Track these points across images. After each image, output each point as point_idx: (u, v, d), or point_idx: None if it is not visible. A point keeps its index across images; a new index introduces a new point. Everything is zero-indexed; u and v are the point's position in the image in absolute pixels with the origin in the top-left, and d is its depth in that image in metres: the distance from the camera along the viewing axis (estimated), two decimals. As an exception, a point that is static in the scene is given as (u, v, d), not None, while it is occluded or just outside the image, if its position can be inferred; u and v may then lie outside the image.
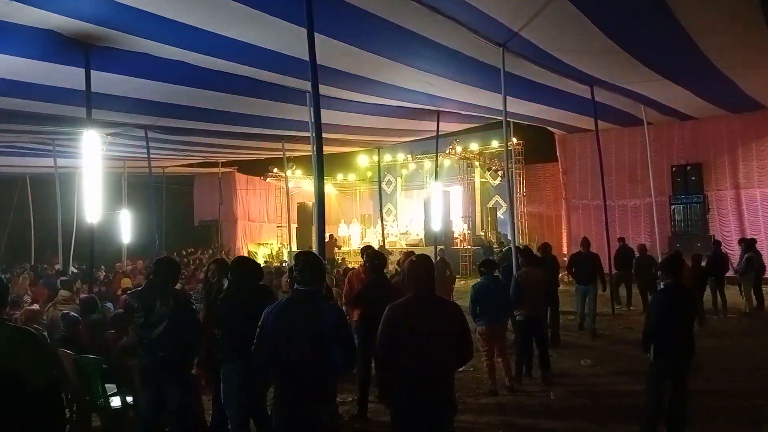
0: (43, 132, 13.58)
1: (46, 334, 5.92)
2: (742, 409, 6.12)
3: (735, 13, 8.27)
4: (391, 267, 12.62)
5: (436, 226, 17.46)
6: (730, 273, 12.16)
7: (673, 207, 17.31)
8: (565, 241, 19.65)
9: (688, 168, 17.09)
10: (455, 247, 21.11)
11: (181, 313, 4.76)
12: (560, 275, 11.21)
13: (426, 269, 3.90)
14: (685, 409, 5.16)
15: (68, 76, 8.85)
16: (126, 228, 16.39)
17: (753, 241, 12.41)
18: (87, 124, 8.82)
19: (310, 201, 22.48)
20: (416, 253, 6.08)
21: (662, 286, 5.43)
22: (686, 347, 5.15)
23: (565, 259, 13.76)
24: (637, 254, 12.49)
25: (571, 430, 5.90)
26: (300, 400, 3.59)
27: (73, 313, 6.53)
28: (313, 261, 3.86)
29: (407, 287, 3.88)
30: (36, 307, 8.42)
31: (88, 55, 8.18)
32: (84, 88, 8.38)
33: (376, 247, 17.19)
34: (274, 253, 24.89)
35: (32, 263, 18.12)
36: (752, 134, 16.29)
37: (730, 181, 16.73)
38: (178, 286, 7.34)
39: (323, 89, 7.57)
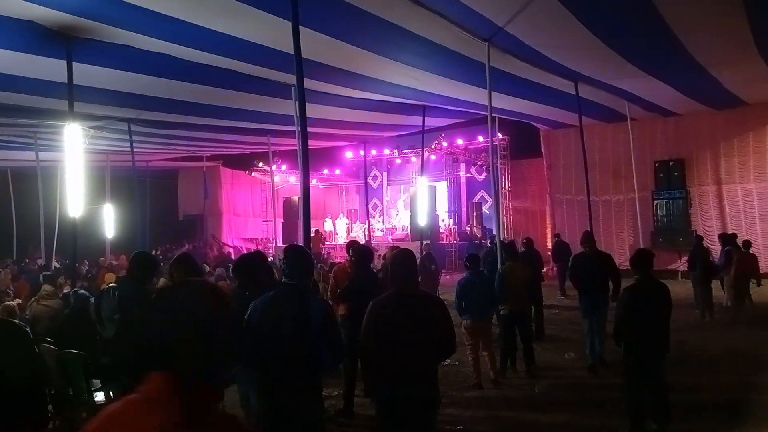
0: (25, 125, 13.41)
1: (28, 329, 5.86)
2: (725, 403, 6.18)
3: (718, 11, 8.35)
4: (377, 262, 12.60)
5: (422, 221, 17.51)
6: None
7: (655, 202, 17.48)
8: (549, 236, 19.78)
9: (671, 164, 17.27)
10: (441, 242, 21.17)
11: (133, 312, 4.56)
12: (544, 270, 11.22)
13: (408, 264, 3.90)
14: (666, 405, 5.21)
15: (50, 68, 8.75)
16: (109, 222, 16.24)
17: (732, 236, 12.54)
18: (69, 117, 8.73)
19: (296, 196, 22.43)
20: (400, 247, 6.08)
21: (632, 282, 5.44)
22: (656, 343, 5.17)
23: (549, 254, 13.86)
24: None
25: (555, 422, 5.95)
26: (285, 394, 3.59)
27: (83, 291, 6.73)
28: (302, 255, 3.86)
29: (390, 282, 3.89)
30: (17, 302, 8.32)
31: (70, 47, 8.09)
32: (66, 81, 8.29)
33: (362, 242, 17.21)
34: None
35: (14, 258, 17.90)
36: (734, 131, 16.49)
37: (712, 176, 16.92)
38: (162, 281, 7.31)
39: (308, 83, 7.52)
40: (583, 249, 8.19)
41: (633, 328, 5.13)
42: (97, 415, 1.39)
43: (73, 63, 8.26)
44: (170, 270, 5.17)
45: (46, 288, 7.75)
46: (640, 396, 5.21)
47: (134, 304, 4.61)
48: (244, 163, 24.97)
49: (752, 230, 16.09)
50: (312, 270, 4.06)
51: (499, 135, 20.13)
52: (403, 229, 23.19)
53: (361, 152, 23.58)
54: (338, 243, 23.18)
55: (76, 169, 8.75)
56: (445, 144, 22.45)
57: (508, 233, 20.41)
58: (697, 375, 7.22)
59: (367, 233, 22.31)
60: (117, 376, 4.70)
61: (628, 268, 5.63)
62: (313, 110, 11.09)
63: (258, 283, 4.21)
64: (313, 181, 25.16)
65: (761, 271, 15.35)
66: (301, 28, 5.86)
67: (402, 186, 25.52)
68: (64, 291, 8.46)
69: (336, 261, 14.98)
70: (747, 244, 11.68)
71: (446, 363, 7.00)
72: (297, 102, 6.69)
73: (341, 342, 3.86)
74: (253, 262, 4.54)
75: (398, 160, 25.23)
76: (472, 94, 12.42)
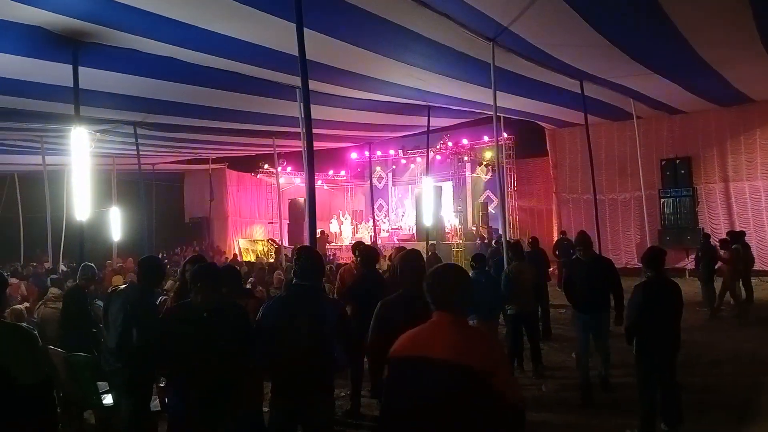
0: (31, 129, 13.47)
1: (36, 332, 5.88)
2: (734, 404, 6.14)
3: (724, 8, 8.31)
4: (383, 262, 12.61)
5: (428, 221, 17.49)
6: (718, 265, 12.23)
7: (662, 200, 17.41)
8: (555, 235, 19.73)
9: (678, 161, 17.19)
10: (447, 242, 21.15)
11: (133, 321, 4.52)
12: (550, 269, 11.18)
13: (416, 264, 3.90)
14: (678, 405, 5.17)
15: (56, 72, 8.79)
16: (116, 225, 16.31)
17: (740, 234, 12.48)
18: (75, 121, 8.76)
19: (301, 197, 22.45)
20: (407, 248, 6.07)
21: (644, 279, 5.41)
22: (668, 342, 5.14)
23: (557, 253, 13.81)
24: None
25: (562, 422, 5.93)
26: (300, 392, 3.60)
27: (91, 264, 6.99)
28: (314, 256, 3.88)
29: (399, 282, 3.90)
30: (25, 305, 8.36)
31: (76, 51, 8.13)
32: (72, 85, 8.33)
33: (368, 243, 17.22)
34: (266, 250, 24.83)
35: (21, 261, 17.99)
36: (740, 127, 16.41)
37: (719, 174, 16.84)
38: (169, 283, 7.32)
39: (313, 84, 7.55)
40: (578, 253, 6.76)
41: (644, 326, 5.10)
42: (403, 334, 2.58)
43: (79, 67, 8.29)
44: (183, 269, 5.19)
45: (54, 291, 7.78)
46: (652, 394, 5.17)
47: (136, 313, 4.54)
48: (249, 165, 25.03)
49: (760, 227, 16.02)
50: (323, 271, 4.08)
51: (505, 134, 20.09)
52: (409, 230, 23.19)
53: (366, 153, 23.58)
54: (344, 244, 23.19)
55: (82, 173, 8.77)
56: (450, 144, 22.44)
57: (514, 233, 20.38)
58: (705, 375, 7.18)
59: (372, 234, 22.31)
60: (126, 383, 4.67)
61: (636, 267, 5.59)
62: (317, 112, 11.10)
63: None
64: (319, 183, 25.20)
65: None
66: (305, 30, 5.87)
67: (408, 186, 25.52)
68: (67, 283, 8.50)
69: (341, 262, 14.98)
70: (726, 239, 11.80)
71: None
72: (302, 104, 6.70)
73: (354, 340, 3.89)
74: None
75: (403, 161, 25.23)
76: (477, 94, 12.40)
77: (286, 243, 20.72)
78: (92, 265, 7.10)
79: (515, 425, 2.49)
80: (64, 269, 14.57)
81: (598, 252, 8.52)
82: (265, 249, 24.66)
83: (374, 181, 24.61)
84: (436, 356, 2.33)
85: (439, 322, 2.53)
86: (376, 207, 24.14)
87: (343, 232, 25.06)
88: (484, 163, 22.63)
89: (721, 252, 11.29)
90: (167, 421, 4.79)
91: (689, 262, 15.39)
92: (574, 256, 7.10)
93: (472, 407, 2.27)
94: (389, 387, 2.53)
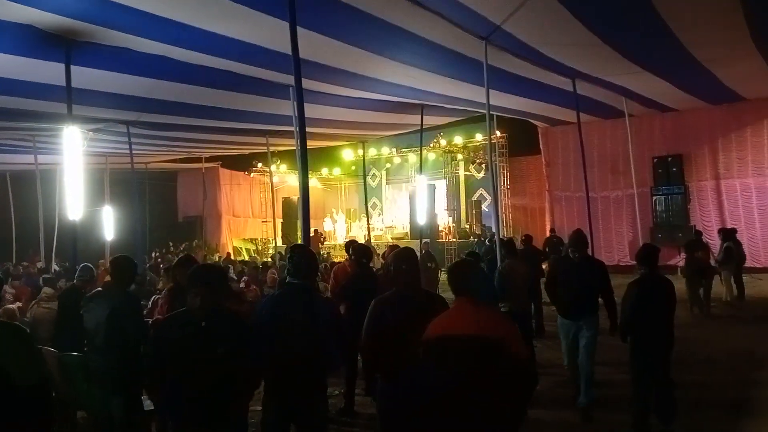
0: (23, 128, 13.41)
1: (29, 331, 5.86)
2: (727, 401, 6.17)
3: (715, 7, 8.36)
4: (377, 261, 12.61)
5: (421, 220, 17.51)
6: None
7: (654, 198, 17.49)
8: (548, 233, 19.79)
9: (669, 159, 17.27)
10: (440, 240, 21.17)
11: (122, 320, 4.54)
12: (544, 266, 11.22)
13: (410, 262, 3.91)
14: (672, 402, 5.19)
15: (48, 71, 8.75)
16: (109, 225, 16.25)
17: (732, 231, 12.57)
18: (68, 120, 8.73)
19: (295, 196, 22.41)
20: (401, 246, 6.08)
21: (638, 277, 5.44)
22: (662, 339, 5.16)
23: (547, 250, 13.85)
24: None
25: (556, 420, 5.95)
26: (295, 392, 3.61)
27: (90, 265, 6.91)
28: (308, 255, 3.90)
29: (392, 281, 3.91)
30: (17, 305, 8.33)
31: (68, 50, 8.09)
32: (64, 84, 8.29)
33: (362, 241, 17.21)
34: (260, 248, 24.81)
35: (14, 261, 17.90)
36: (732, 125, 16.51)
37: (710, 171, 16.94)
38: (162, 283, 7.29)
39: (306, 83, 7.54)
40: (570, 253, 6.21)
41: (638, 323, 5.13)
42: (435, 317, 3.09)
43: (72, 66, 8.26)
44: (173, 271, 5.15)
45: (47, 291, 7.76)
46: (646, 392, 5.20)
47: (124, 311, 4.59)
48: (242, 163, 24.98)
49: (751, 225, 16.12)
50: (317, 269, 4.10)
51: (498, 133, 20.14)
52: (403, 228, 23.19)
53: (360, 151, 23.57)
54: (338, 242, 23.17)
55: (75, 172, 8.74)
56: (443, 142, 22.46)
57: (507, 231, 20.42)
58: (699, 372, 7.22)
59: (366, 232, 22.32)
60: (115, 382, 4.67)
61: (628, 264, 5.59)
62: (311, 110, 11.08)
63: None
64: (312, 181, 25.15)
65: (761, 265, 15.51)
66: (298, 28, 5.87)
67: (401, 185, 25.52)
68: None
69: (335, 260, 14.99)
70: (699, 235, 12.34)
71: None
72: (295, 102, 6.71)
73: (348, 339, 3.90)
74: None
75: (397, 159, 25.22)
76: (470, 93, 12.42)
77: (279, 242, 20.70)
78: (91, 266, 7.08)
79: (529, 380, 3.03)
80: (57, 269, 14.51)
81: (591, 249, 8.39)
82: (260, 248, 24.67)
83: (368, 179, 24.59)
84: (461, 332, 2.87)
85: (460, 305, 3.17)
86: (369, 205, 24.12)
87: (336, 230, 25.03)
88: (478, 161, 22.65)
89: (698, 254, 11.32)
90: (161, 423, 4.80)
91: (681, 260, 15.46)
92: (563, 254, 6.66)
93: (494, 369, 2.75)
94: (424, 365, 2.93)
